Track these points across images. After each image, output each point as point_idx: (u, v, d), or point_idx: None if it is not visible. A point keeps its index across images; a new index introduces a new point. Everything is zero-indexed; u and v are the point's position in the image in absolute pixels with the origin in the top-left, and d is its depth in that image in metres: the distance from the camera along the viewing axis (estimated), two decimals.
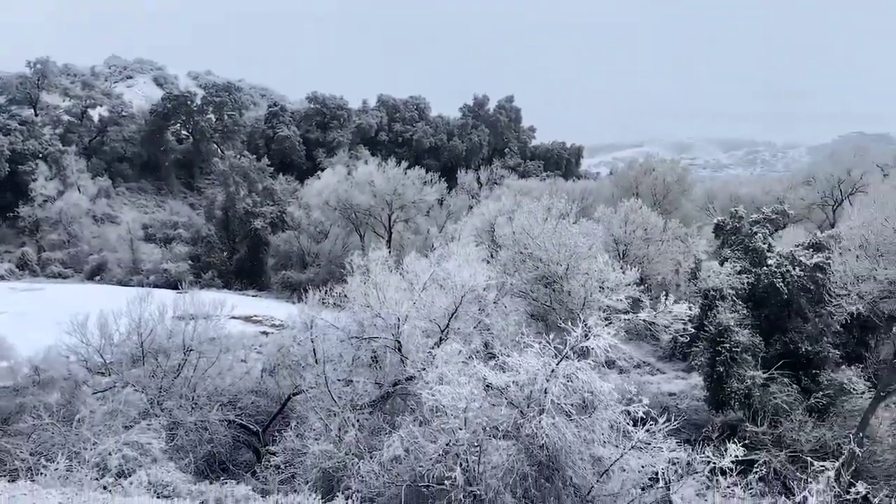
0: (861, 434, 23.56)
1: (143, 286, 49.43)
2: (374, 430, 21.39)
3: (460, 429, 18.19)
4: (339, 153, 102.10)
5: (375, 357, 24.37)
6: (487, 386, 19.23)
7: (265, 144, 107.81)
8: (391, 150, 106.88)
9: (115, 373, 25.96)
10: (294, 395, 24.84)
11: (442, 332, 24.24)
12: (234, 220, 72.18)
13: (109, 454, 20.14)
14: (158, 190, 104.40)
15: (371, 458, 19.60)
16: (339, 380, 23.02)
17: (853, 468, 21.83)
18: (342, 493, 17.20)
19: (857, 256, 25.06)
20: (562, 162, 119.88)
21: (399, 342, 23.24)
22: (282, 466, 21.61)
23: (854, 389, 26.58)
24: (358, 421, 21.41)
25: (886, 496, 21.35)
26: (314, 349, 23.51)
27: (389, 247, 56.43)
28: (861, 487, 18.89)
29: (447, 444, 18.18)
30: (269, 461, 22.18)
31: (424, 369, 20.99)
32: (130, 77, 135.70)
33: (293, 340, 25.12)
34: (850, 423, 25.24)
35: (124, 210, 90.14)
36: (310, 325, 24.05)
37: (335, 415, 21.74)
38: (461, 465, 17.54)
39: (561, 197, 39.93)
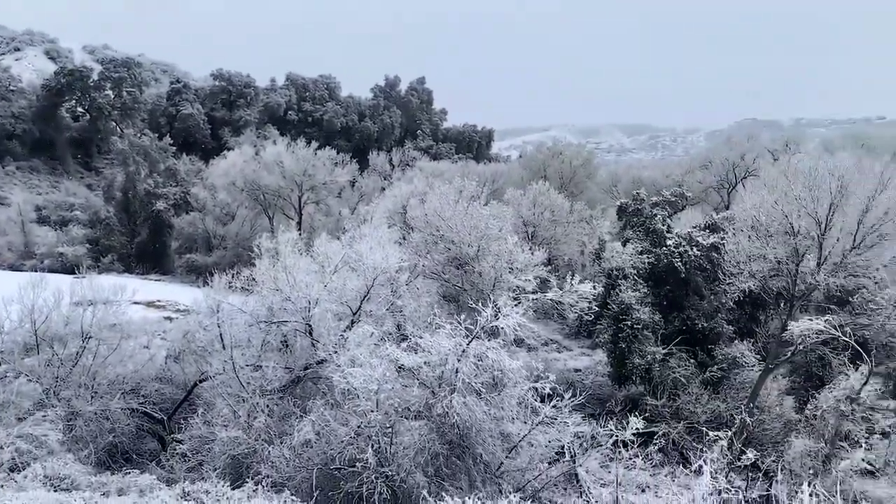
0: (751, 404, 25.06)
1: (36, 271, 46.81)
2: (284, 415, 21.15)
3: (372, 411, 18.25)
4: (246, 132, 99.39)
5: (286, 341, 24.05)
6: (400, 367, 19.34)
7: (167, 123, 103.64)
8: (301, 129, 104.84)
9: (6, 362, 24.56)
10: (201, 381, 24.21)
11: (354, 314, 24.14)
12: (135, 201, 69.25)
13: (1, 448, 19.11)
14: (52, 170, 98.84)
15: (281, 443, 19.40)
16: (247, 365, 22.59)
17: (744, 436, 23.18)
18: (252, 479, 16.95)
19: (749, 237, 26.48)
20: (473, 145, 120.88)
21: (310, 326, 23.00)
22: (188, 454, 21.07)
23: (745, 363, 28.20)
24: (268, 406, 21.11)
25: (773, 461, 22.87)
26: (221, 334, 22.95)
27: (300, 229, 55.53)
28: (751, 454, 20.11)
29: (359, 427, 18.20)
30: (175, 449, 21.57)
31: (336, 352, 20.88)
32: (18, 49, 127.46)
33: (199, 326, 24.43)
34: (741, 395, 26.79)
35: (14, 191, 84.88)
36: (216, 310, 23.44)
37: (244, 400, 21.35)
38: (373, 446, 17.61)
39: (472, 179, 40.36)
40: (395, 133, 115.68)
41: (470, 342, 18.90)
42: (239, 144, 78.06)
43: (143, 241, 67.79)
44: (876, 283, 24.51)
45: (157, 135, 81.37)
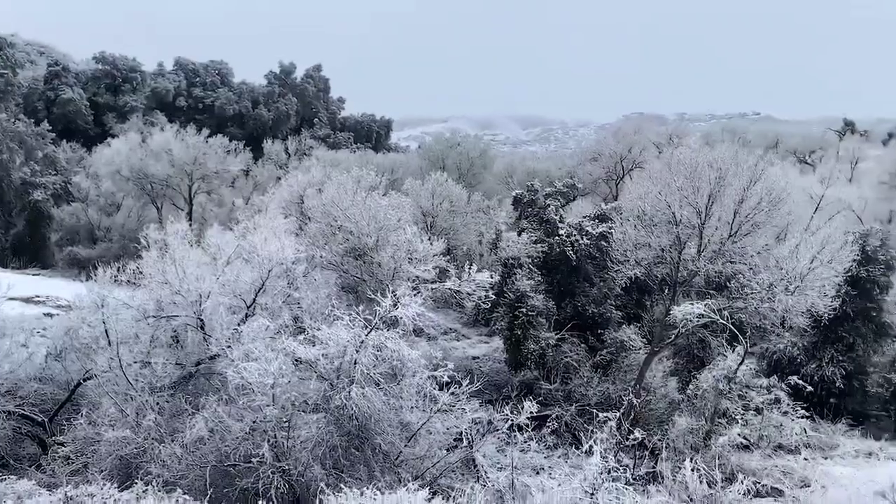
0: (638, 386, 26.27)
1: None
2: (175, 412, 20.47)
3: (268, 405, 17.96)
4: (132, 119, 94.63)
5: (176, 336, 23.23)
6: (297, 360, 19.11)
7: (45, 108, 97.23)
8: (191, 116, 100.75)
9: None
10: (85, 380, 23.02)
11: (248, 307, 23.60)
12: (10, 191, 64.65)
13: None
14: None
15: (173, 441, 18.80)
16: (135, 362, 21.67)
17: (632, 417, 24.25)
18: (141, 480, 16.33)
19: (635, 226, 27.68)
20: (372, 134, 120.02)
21: (201, 320, 22.32)
22: (72, 457, 20.05)
23: (633, 346, 29.52)
24: (158, 404, 20.37)
25: (658, 439, 24.13)
26: (106, 330, 21.88)
27: (190, 220, 53.55)
28: (638, 434, 21.14)
29: (254, 422, 17.89)
30: (56, 452, 20.46)
31: (230, 347, 20.39)
32: None
33: (82, 322, 23.17)
34: (629, 377, 28.03)
35: None
36: (101, 305, 22.31)
37: (132, 399, 20.50)
38: (269, 441, 17.36)
39: (371, 169, 40.23)
40: (290, 121, 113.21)
41: (369, 333, 18.90)
42: (124, 131, 74.20)
43: (19, 232, 63.49)
44: (750, 269, 26.15)
45: (33, 120, 76.25)
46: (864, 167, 59.31)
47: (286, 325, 22.70)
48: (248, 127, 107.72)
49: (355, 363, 18.32)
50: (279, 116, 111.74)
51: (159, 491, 15.72)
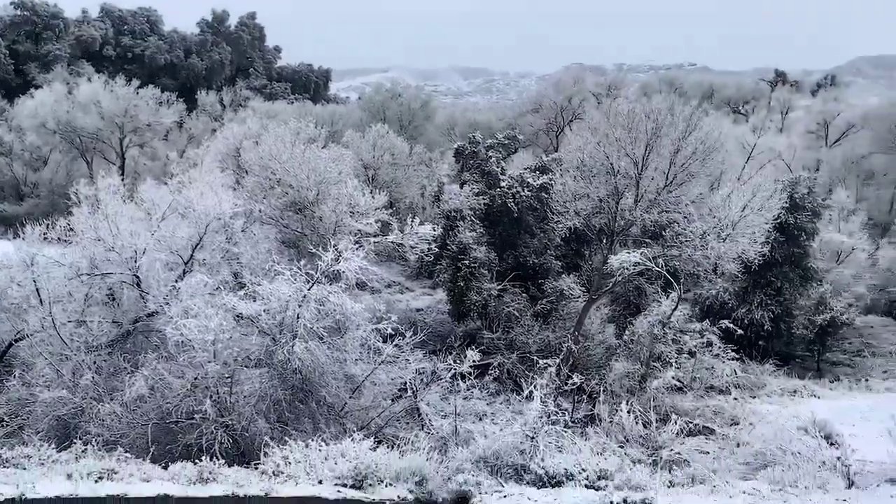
0: (577, 333, 26.93)
1: None
2: (114, 371, 20.12)
3: (209, 361, 17.80)
4: (56, 69, 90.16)
5: (112, 294, 22.69)
6: (238, 316, 18.92)
7: None
8: (120, 66, 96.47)
9: None
10: (16, 341, 22.32)
11: (186, 263, 23.15)
12: None
13: None
14: None
15: (112, 400, 18.51)
16: (69, 321, 21.12)
17: (570, 363, 24.99)
18: (80, 440, 16.08)
19: (575, 177, 27.97)
20: (310, 85, 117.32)
21: (137, 277, 21.82)
22: (6, 419, 19.59)
23: (572, 295, 30.15)
24: (95, 363, 19.96)
25: (596, 384, 24.89)
26: (37, 289, 21.20)
27: (122, 174, 51.79)
28: (577, 379, 21.77)
29: (196, 378, 17.73)
30: None
31: (168, 304, 20.02)
32: None
33: (11, 281, 22.38)
34: (568, 325, 28.68)
35: None
36: (30, 263, 21.55)
37: (68, 358, 20.04)
38: (212, 397, 17.25)
39: (309, 121, 39.46)
40: (225, 71, 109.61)
41: (311, 287, 18.79)
42: (48, 82, 70.65)
43: None
44: (685, 217, 26.80)
45: None
46: (794, 117, 61.15)
47: (226, 281, 22.39)
48: (180, 77, 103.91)
49: (298, 318, 18.23)
50: (213, 66, 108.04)
51: (99, 450, 15.54)
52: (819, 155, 50.82)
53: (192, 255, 23.26)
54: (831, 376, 31.05)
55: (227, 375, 17.96)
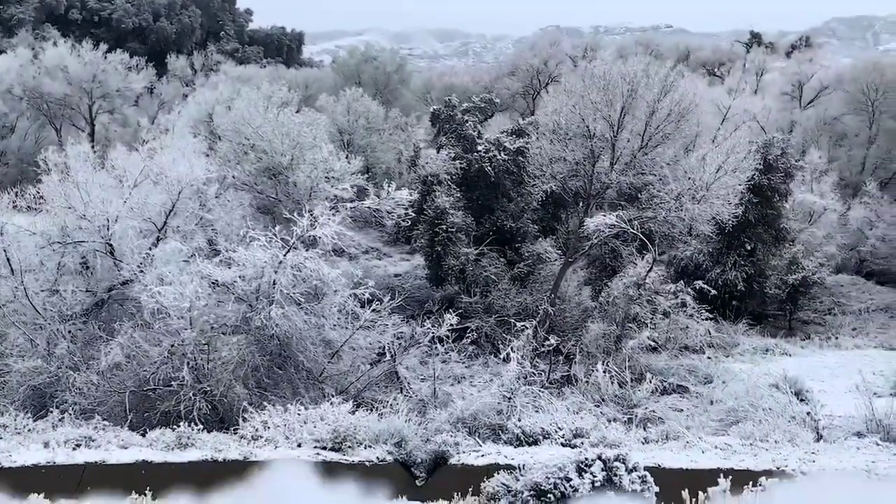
0: (553, 295, 27.14)
1: None
2: (89, 339, 20.00)
3: (186, 329, 17.76)
4: (20, 33, 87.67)
5: (85, 263, 22.41)
6: (214, 283, 18.84)
7: None
8: (86, 31, 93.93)
9: None
10: None
11: (159, 231, 22.93)
12: None
13: None
14: None
15: (88, 368, 18.42)
16: (42, 290, 20.86)
17: (547, 325, 25.26)
18: (57, 409, 16.04)
19: (551, 140, 27.90)
20: (283, 48, 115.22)
21: (111, 245, 21.57)
22: None
23: (549, 258, 30.27)
24: (70, 332, 19.82)
25: (573, 345, 25.19)
26: (8, 259, 20.88)
27: (93, 141, 50.83)
28: (553, 340, 22.08)
29: (172, 346, 17.68)
30: None
31: (142, 271, 19.88)
32: None
33: None
34: (545, 287, 28.85)
35: None
36: (0, 233, 21.20)
37: (42, 328, 19.86)
38: (189, 364, 17.24)
39: (283, 85, 38.85)
40: (195, 35, 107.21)
41: (287, 253, 18.73)
42: (13, 47, 68.72)
43: None
44: (660, 179, 26.90)
45: None
46: (769, 78, 61.26)
47: (200, 248, 22.24)
48: (149, 41, 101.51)
49: (274, 284, 18.21)
50: (183, 30, 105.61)
51: (77, 418, 15.52)
52: (793, 116, 51.08)
53: (165, 222, 23.03)
54: (802, 334, 31.66)
55: (203, 342, 17.95)
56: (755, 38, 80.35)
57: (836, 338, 30.92)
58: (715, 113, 42.67)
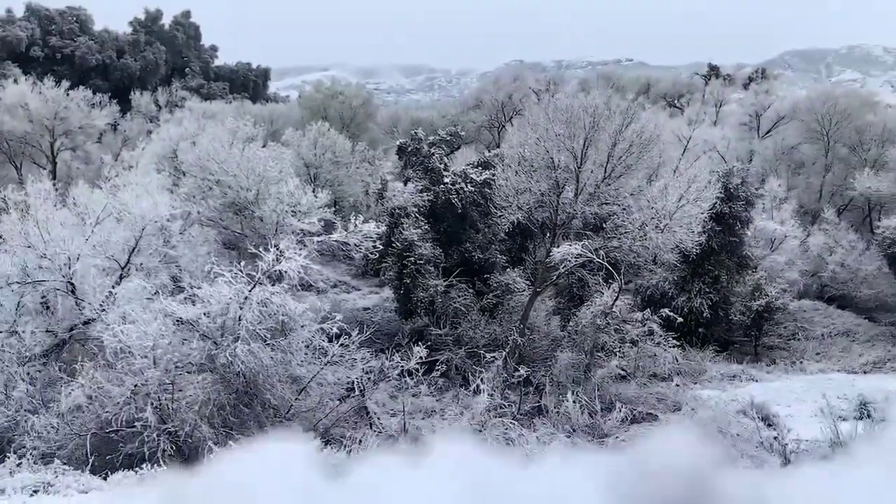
0: (522, 326, 27.21)
1: None
2: (49, 381, 19.48)
3: (150, 368, 17.41)
4: None
5: (46, 302, 21.92)
6: (178, 321, 18.53)
7: None
8: (48, 68, 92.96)
9: None
10: None
11: (123, 268, 22.59)
12: None
13: None
14: None
15: (48, 411, 17.91)
16: (0, 332, 20.33)
17: (517, 355, 25.28)
18: (15, 454, 15.52)
19: (517, 172, 28.21)
20: (248, 84, 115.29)
21: (72, 284, 21.15)
22: None
23: (517, 288, 30.42)
24: (29, 374, 19.29)
25: (542, 375, 25.22)
26: None
27: (54, 179, 49.96)
28: (523, 371, 22.09)
29: (136, 386, 17.30)
30: None
31: (104, 310, 19.50)
32: None
33: None
34: (514, 318, 28.92)
35: None
36: None
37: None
38: (152, 404, 16.86)
39: (248, 120, 38.85)
40: (160, 71, 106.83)
41: (252, 289, 18.53)
42: None
43: None
44: (624, 209, 27.31)
45: None
46: (727, 109, 62.82)
47: (165, 285, 21.95)
48: (113, 78, 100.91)
49: (240, 320, 17.96)
50: (147, 66, 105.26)
51: (35, 463, 15.04)
52: (752, 146, 52.33)
53: (128, 260, 22.70)
54: (768, 360, 32.09)
55: (168, 381, 17.58)
56: (713, 71, 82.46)
57: (801, 362, 31.39)
58: (676, 143, 43.57)
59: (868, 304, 37.00)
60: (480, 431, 16.72)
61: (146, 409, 16.77)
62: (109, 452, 17.04)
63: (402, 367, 20.30)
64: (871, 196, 42.13)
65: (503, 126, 56.35)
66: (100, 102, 60.53)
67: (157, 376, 17.27)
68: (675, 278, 32.89)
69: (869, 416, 20.90)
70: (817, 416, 20.18)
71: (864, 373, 29.82)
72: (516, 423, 18.52)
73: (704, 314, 31.92)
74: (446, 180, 32.08)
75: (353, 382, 20.74)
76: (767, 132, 53.74)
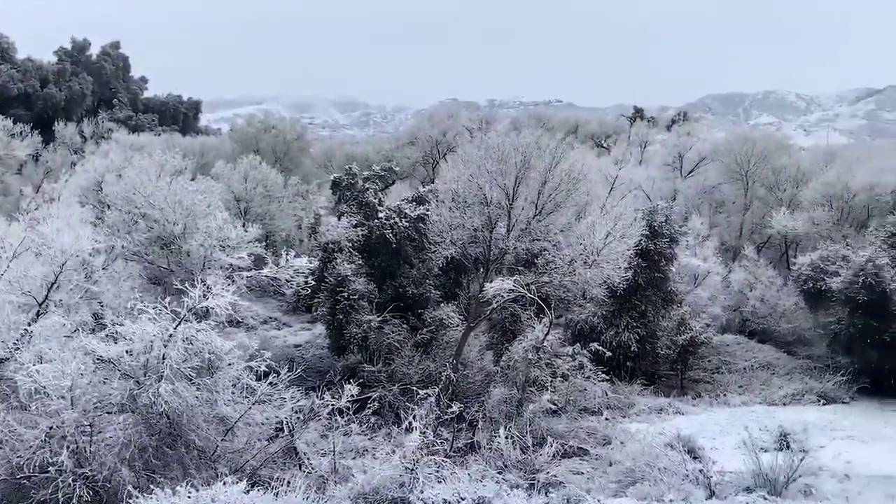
0: (456, 361, 27.23)
1: None
2: None
3: (67, 409, 16.62)
4: None
5: None
6: (99, 359, 17.83)
7: None
8: None
9: None
10: None
11: (40, 305, 21.62)
12: None
13: None
14: None
15: None
16: None
17: (450, 391, 25.23)
18: None
19: (450, 208, 28.52)
20: (179, 116, 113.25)
21: None
22: None
23: (451, 323, 30.49)
24: None
25: (476, 411, 25.22)
26: None
27: None
28: (456, 407, 22.00)
29: (51, 428, 16.47)
30: None
31: (19, 349, 18.58)
32: None
33: None
34: (448, 353, 28.94)
35: None
36: None
37: None
38: (69, 447, 16.07)
39: (177, 153, 38.16)
40: (86, 102, 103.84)
41: (177, 326, 18.00)
42: None
43: None
44: (554, 245, 27.88)
45: None
46: (652, 150, 65.17)
47: (85, 322, 21.14)
48: (36, 108, 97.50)
49: (164, 358, 17.39)
50: (73, 97, 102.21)
51: None
52: (675, 185, 54.27)
53: (46, 296, 21.76)
54: (693, 393, 32.89)
55: (86, 423, 16.82)
56: (638, 113, 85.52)
57: (725, 395, 32.27)
58: (603, 182, 44.79)
59: (787, 337, 38.47)
60: (412, 470, 16.52)
61: (62, 452, 15.96)
62: (20, 500, 16.14)
63: (333, 405, 19.96)
64: (787, 234, 44.14)
65: (437, 162, 56.89)
66: (21, 132, 58.58)
67: (74, 418, 16.49)
68: (604, 313, 33.56)
69: (788, 447, 21.60)
70: (740, 448, 20.74)
71: (784, 405, 30.87)
72: (448, 460, 18.37)
73: (632, 348, 32.60)
74: (381, 215, 32.11)
75: (283, 422, 20.26)
76: (690, 172, 55.86)
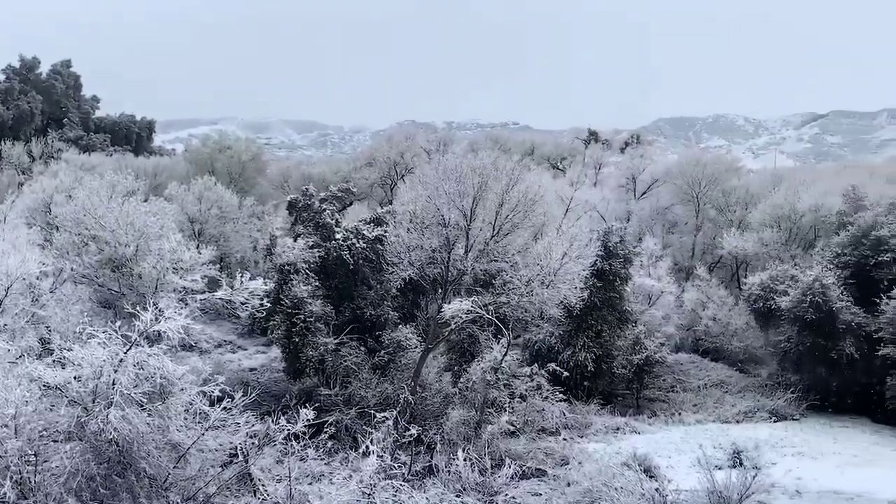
0: (414, 383, 27.07)
1: None
2: None
3: (10, 438, 16.01)
4: None
5: None
6: (45, 385, 17.25)
7: None
8: None
9: None
10: None
11: None
12: None
13: None
14: None
15: None
16: None
17: (408, 413, 25.06)
18: None
19: (408, 229, 28.53)
20: (132, 136, 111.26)
21: None
22: None
23: (409, 345, 30.36)
24: None
25: (434, 433, 25.06)
26: None
27: None
28: (414, 430, 21.83)
29: None
30: None
31: None
32: None
33: None
34: (406, 375, 28.77)
35: None
36: None
37: None
38: (12, 478, 15.46)
39: (129, 173, 37.44)
40: (35, 121, 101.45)
41: (128, 350, 17.53)
42: None
43: None
44: (512, 266, 28.04)
45: None
46: (606, 172, 66.19)
47: (31, 348, 20.46)
48: None
49: (113, 384, 16.89)
50: (21, 116, 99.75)
51: None
52: (629, 206, 55.21)
53: None
54: (649, 412, 33.29)
55: (31, 452, 16.21)
56: (592, 136, 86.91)
57: (680, 414, 32.75)
58: (559, 203, 45.32)
59: (739, 356, 39.27)
60: (369, 496, 16.30)
61: (5, 483, 15.34)
62: None
63: (288, 430, 19.60)
64: (737, 254, 45.19)
65: (395, 183, 56.93)
66: None
67: (18, 447, 15.88)
68: (561, 333, 33.82)
69: (742, 464, 21.96)
70: (695, 467, 21.02)
71: (737, 422, 31.45)
72: (406, 484, 18.20)
73: (589, 367, 32.88)
74: (338, 236, 31.94)
75: (237, 448, 19.82)
76: (643, 193, 56.87)
